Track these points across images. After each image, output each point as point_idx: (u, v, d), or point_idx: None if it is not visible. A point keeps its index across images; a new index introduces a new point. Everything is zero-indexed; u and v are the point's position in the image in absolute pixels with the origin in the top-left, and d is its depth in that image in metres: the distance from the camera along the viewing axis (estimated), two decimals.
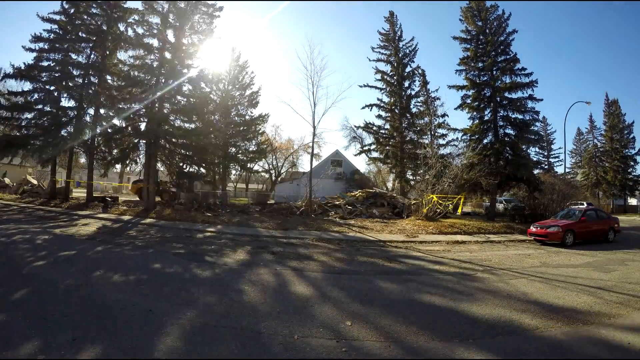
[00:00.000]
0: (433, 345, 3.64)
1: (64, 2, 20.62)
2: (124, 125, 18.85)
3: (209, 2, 19.30)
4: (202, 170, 20.83)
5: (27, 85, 20.45)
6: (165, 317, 4.14)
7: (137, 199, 21.33)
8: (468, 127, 20.89)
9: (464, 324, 4.29)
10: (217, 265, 7.12)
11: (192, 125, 19.90)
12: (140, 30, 18.49)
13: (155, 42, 18.46)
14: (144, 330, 3.74)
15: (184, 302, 4.71)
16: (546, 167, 44.43)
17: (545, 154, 51.04)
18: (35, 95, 19.97)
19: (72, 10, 20.53)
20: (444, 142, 26.88)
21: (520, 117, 20.07)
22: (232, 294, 5.19)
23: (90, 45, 20.80)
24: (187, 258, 7.70)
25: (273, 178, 38.11)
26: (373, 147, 28.22)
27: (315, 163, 31.49)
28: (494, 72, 20.29)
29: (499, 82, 20.08)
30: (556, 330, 4.14)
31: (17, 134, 19.89)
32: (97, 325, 3.80)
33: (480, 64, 20.69)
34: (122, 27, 20.77)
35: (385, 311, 4.67)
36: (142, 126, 18.86)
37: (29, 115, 20.19)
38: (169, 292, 5.19)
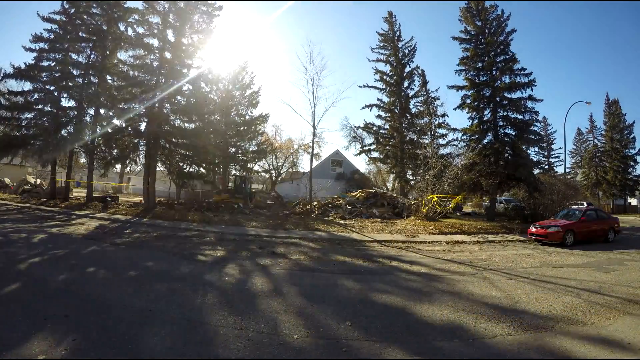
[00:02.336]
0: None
1: (64, 2, 20.63)
2: (124, 125, 18.85)
3: (209, 2, 19.30)
4: (202, 170, 20.83)
5: (27, 85, 20.48)
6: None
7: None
8: (468, 127, 20.88)
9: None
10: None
11: (192, 125, 19.89)
12: (140, 30, 18.53)
13: (155, 42, 18.49)
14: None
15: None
16: (546, 167, 44.41)
17: (545, 154, 51.03)
18: (36, 95, 19.98)
19: (72, 10, 20.54)
20: (444, 142, 26.90)
21: (520, 117, 20.06)
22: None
23: (91, 45, 20.80)
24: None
25: (273, 178, 38.11)
26: (373, 147, 28.24)
27: (315, 163, 31.51)
28: (494, 72, 20.28)
29: (499, 82, 20.07)
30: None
31: (17, 134, 19.89)
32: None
33: (479, 64, 20.68)
34: (122, 27, 20.78)
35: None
36: (142, 126, 18.87)
37: (29, 115, 20.20)
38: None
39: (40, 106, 20.13)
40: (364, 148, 29.33)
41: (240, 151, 27.98)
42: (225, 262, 7.46)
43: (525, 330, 4.15)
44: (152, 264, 7.10)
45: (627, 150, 42.29)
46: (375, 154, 28.50)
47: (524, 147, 20.55)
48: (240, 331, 3.82)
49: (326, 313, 4.52)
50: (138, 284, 5.51)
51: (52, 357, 3.08)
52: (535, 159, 26.02)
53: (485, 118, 20.57)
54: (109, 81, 20.57)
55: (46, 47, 20.18)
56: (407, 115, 27.05)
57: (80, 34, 20.61)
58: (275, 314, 4.41)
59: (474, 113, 20.67)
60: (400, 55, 27.29)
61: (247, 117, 28.58)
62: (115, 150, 19.61)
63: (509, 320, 4.48)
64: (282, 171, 39.55)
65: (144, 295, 4.97)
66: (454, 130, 23.22)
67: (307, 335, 3.79)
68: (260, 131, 29.79)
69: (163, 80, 18.04)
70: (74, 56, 20.72)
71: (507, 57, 20.26)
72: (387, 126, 27.54)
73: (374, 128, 27.86)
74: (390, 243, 11.03)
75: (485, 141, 20.31)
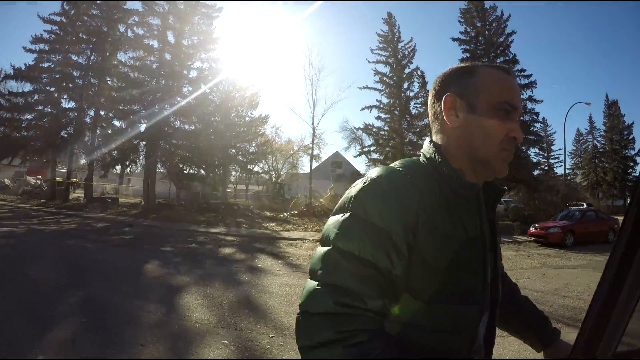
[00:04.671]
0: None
1: (64, 3, 20.67)
2: (123, 126, 18.87)
3: (209, 3, 19.34)
4: (202, 171, 20.83)
5: (27, 87, 20.51)
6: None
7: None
8: None
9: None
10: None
11: (192, 127, 19.90)
12: (140, 32, 18.58)
13: (155, 44, 18.55)
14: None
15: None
16: (546, 168, 44.31)
17: (545, 155, 50.85)
18: (36, 97, 20.02)
19: (73, 12, 20.57)
20: None
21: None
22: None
23: (91, 46, 20.83)
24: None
25: (273, 179, 38.09)
26: (373, 148, 28.22)
27: (315, 164, 31.53)
28: None
29: None
30: None
31: (18, 134, 19.91)
32: None
33: None
34: (122, 28, 20.84)
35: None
36: (142, 127, 18.88)
37: (29, 117, 20.24)
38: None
39: (40, 107, 20.16)
40: (364, 149, 29.34)
41: (240, 152, 27.97)
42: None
43: None
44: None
45: (626, 151, 42.22)
46: (375, 155, 28.47)
47: (523, 148, 20.56)
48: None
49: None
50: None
51: (52, 357, 3.08)
52: (535, 160, 26.00)
53: None
54: (109, 82, 20.60)
55: (46, 48, 20.22)
56: (407, 116, 27.04)
57: (80, 35, 20.64)
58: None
59: None
60: (399, 56, 27.29)
61: (247, 118, 28.55)
62: (115, 152, 19.63)
63: None
64: (282, 172, 39.56)
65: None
66: None
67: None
68: (260, 132, 29.76)
69: (163, 81, 18.07)
70: (74, 57, 20.75)
71: (507, 58, 20.31)
72: (386, 127, 27.54)
73: (374, 129, 27.85)
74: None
75: None
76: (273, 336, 3.75)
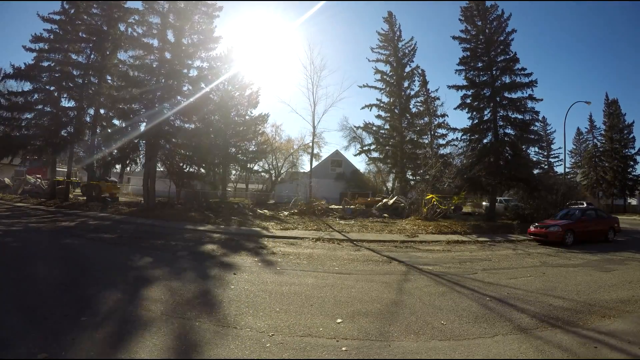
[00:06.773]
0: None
1: (64, 2, 20.63)
2: (123, 125, 18.85)
3: (209, 2, 19.27)
4: (202, 170, 20.82)
5: (27, 86, 20.54)
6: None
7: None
8: (468, 126, 20.87)
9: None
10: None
11: (192, 126, 19.89)
12: (140, 31, 18.50)
13: (155, 42, 18.48)
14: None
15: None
16: (546, 167, 44.39)
17: (545, 153, 51.04)
18: (36, 96, 20.00)
19: (72, 11, 20.55)
20: (444, 142, 26.93)
21: (520, 117, 20.05)
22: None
23: (91, 45, 20.81)
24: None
25: (273, 178, 38.07)
26: (373, 147, 28.27)
27: (315, 163, 31.51)
28: (494, 72, 20.27)
29: (499, 82, 20.07)
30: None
31: (17, 134, 19.90)
32: None
33: (479, 64, 20.68)
34: (122, 27, 20.80)
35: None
36: (142, 126, 18.87)
37: (29, 116, 20.22)
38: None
39: (40, 106, 20.14)
40: (364, 148, 29.38)
41: (240, 151, 27.96)
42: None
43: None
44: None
45: (626, 150, 42.24)
46: (375, 154, 28.54)
47: (523, 147, 20.53)
48: None
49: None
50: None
51: (52, 357, 3.09)
52: (535, 159, 26.04)
53: (485, 118, 20.56)
54: (109, 81, 20.58)
55: (46, 47, 20.19)
56: (407, 115, 27.06)
57: (80, 34, 20.62)
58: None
59: (474, 113, 20.66)
60: (400, 55, 27.29)
61: (247, 117, 28.52)
62: (115, 151, 19.61)
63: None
64: (282, 171, 39.52)
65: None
66: (454, 130, 23.22)
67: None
68: (260, 131, 29.74)
69: (163, 80, 18.03)
70: (74, 56, 20.74)
71: (508, 56, 20.25)
72: (387, 126, 27.55)
73: (374, 128, 27.88)
74: (391, 243, 11.02)
75: (485, 141, 20.31)
76: (273, 334, 3.74)
